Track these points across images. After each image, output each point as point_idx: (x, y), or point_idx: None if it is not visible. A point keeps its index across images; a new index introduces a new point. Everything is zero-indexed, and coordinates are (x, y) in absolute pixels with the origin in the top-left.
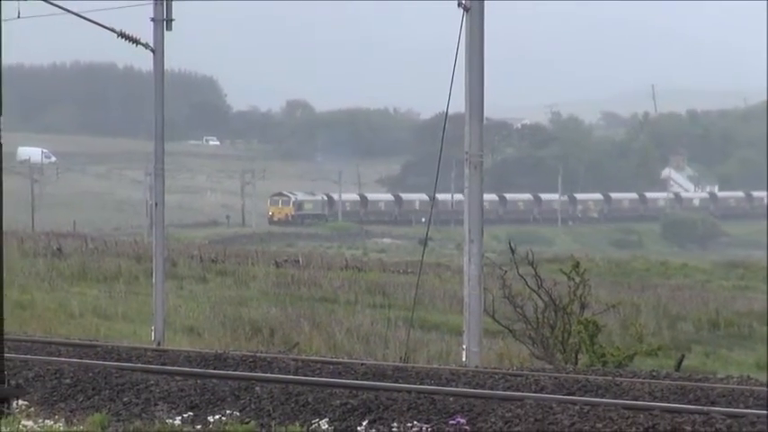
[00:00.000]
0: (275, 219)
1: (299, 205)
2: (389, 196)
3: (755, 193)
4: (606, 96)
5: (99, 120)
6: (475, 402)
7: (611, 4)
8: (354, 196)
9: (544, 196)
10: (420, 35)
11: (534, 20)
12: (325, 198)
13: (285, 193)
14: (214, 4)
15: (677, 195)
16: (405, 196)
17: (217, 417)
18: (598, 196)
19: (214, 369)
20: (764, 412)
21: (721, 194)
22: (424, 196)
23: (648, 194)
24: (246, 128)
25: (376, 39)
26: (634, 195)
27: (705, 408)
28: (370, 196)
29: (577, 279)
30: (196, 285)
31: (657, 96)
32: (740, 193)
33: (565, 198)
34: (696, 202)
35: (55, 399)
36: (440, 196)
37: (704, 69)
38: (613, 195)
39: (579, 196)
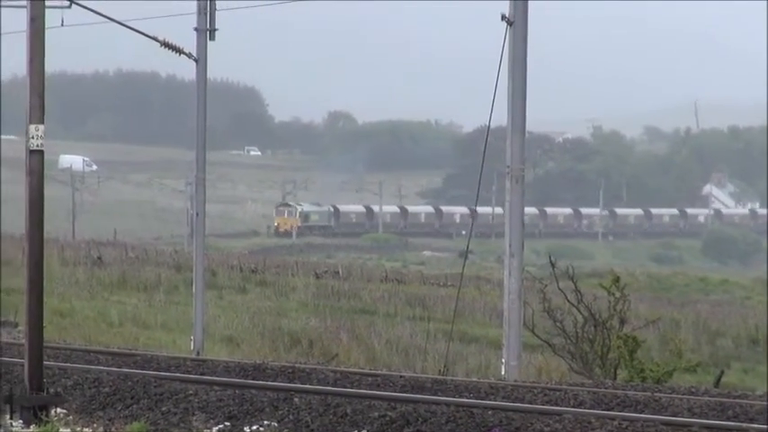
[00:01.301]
0: (281, 230)
1: (305, 216)
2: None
3: None
4: (648, 111)
5: (140, 128)
6: (513, 416)
7: (652, 17)
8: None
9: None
10: (463, 48)
11: (576, 35)
12: (332, 209)
13: (291, 203)
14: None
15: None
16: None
17: (254, 427)
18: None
19: (253, 380)
20: None
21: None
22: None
23: (689, 210)
24: (288, 138)
25: (419, 51)
26: (675, 211)
27: (744, 424)
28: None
29: (617, 294)
30: (236, 295)
31: (699, 111)
32: None
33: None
34: (737, 219)
35: (93, 407)
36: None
37: (746, 83)
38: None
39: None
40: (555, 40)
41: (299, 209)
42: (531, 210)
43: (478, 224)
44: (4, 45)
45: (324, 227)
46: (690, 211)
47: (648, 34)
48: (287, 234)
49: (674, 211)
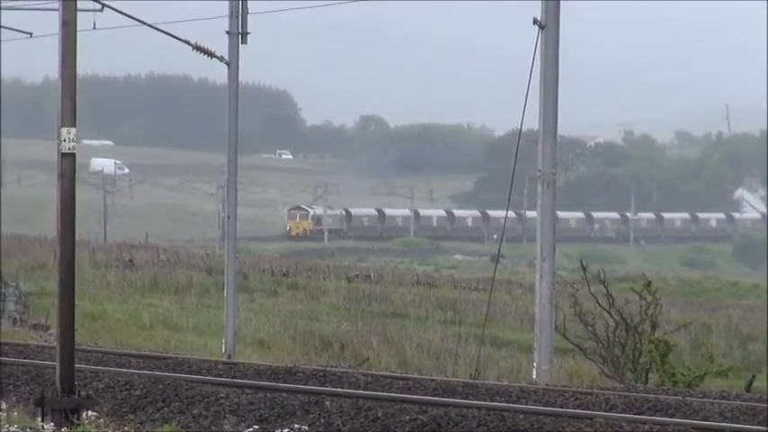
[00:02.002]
0: (293, 233)
1: (317, 219)
2: (476, 212)
3: None
4: (680, 115)
5: (172, 131)
6: (545, 420)
7: (682, 19)
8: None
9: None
10: (496, 51)
11: (607, 37)
12: (344, 213)
13: (304, 207)
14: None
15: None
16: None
17: (285, 431)
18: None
19: (284, 383)
20: None
21: None
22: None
23: (721, 215)
24: (319, 142)
25: (450, 55)
26: (706, 215)
27: None
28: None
29: (649, 298)
30: (267, 299)
31: (731, 115)
32: None
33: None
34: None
35: (125, 410)
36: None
37: None
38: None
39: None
40: (585, 42)
41: (312, 212)
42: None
43: (510, 228)
44: (37, 47)
45: (336, 230)
46: (721, 215)
47: (679, 37)
48: (299, 237)
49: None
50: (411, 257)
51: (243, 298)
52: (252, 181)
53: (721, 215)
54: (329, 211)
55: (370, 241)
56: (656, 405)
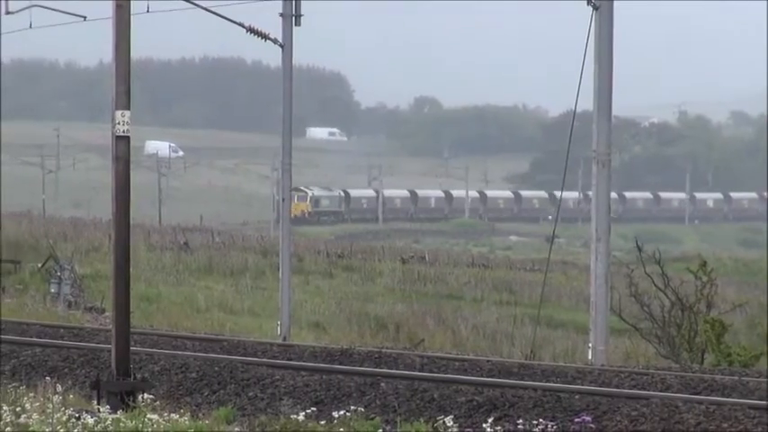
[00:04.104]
0: (291, 215)
1: (315, 201)
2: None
3: None
4: (735, 95)
5: (226, 114)
6: (600, 401)
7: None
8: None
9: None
10: (550, 32)
11: (661, 16)
12: (342, 194)
13: (302, 188)
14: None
15: None
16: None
17: (341, 412)
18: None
19: (339, 365)
20: None
21: None
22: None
23: None
24: (374, 124)
25: (505, 35)
26: (764, 195)
27: None
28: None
29: (704, 278)
30: (322, 281)
31: None
32: None
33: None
34: None
35: (180, 393)
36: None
37: None
38: (736, 194)
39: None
40: (639, 21)
41: (310, 194)
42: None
43: (564, 209)
44: (91, 30)
45: (334, 212)
46: None
47: (736, 18)
48: (296, 220)
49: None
50: (466, 239)
51: (298, 280)
52: (306, 163)
53: None
54: (327, 193)
55: (368, 223)
56: (711, 385)
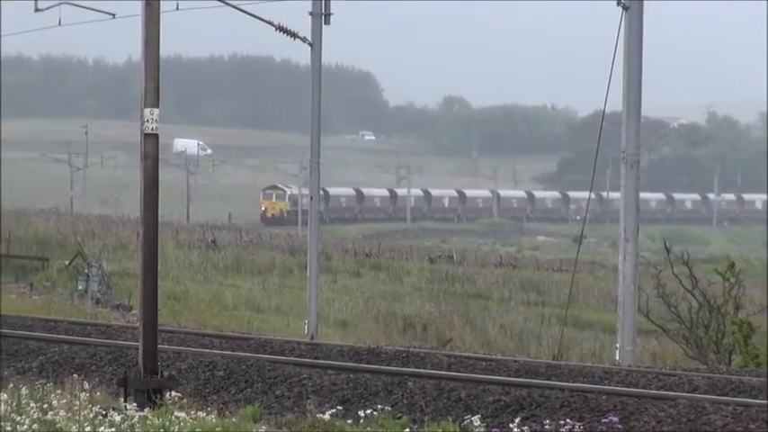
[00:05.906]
0: (268, 214)
1: (294, 200)
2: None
3: None
4: (763, 96)
5: (255, 113)
6: (627, 401)
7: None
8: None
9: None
10: (580, 32)
11: (690, 18)
12: (322, 193)
13: (280, 186)
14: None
15: None
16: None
17: (368, 411)
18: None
19: (366, 363)
20: None
21: None
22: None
23: None
24: (403, 123)
25: (534, 35)
26: None
27: None
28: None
29: (732, 279)
30: (350, 279)
31: None
32: None
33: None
34: None
35: (207, 390)
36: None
37: None
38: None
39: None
40: (669, 23)
41: (288, 192)
42: (646, 195)
43: (592, 209)
44: (120, 28)
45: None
46: None
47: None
48: (275, 220)
49: None
50: (494, 239)
51: (326, 279)
52: (335, 162)
53: None
54: (306, 191)
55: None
56: (739, 386)
